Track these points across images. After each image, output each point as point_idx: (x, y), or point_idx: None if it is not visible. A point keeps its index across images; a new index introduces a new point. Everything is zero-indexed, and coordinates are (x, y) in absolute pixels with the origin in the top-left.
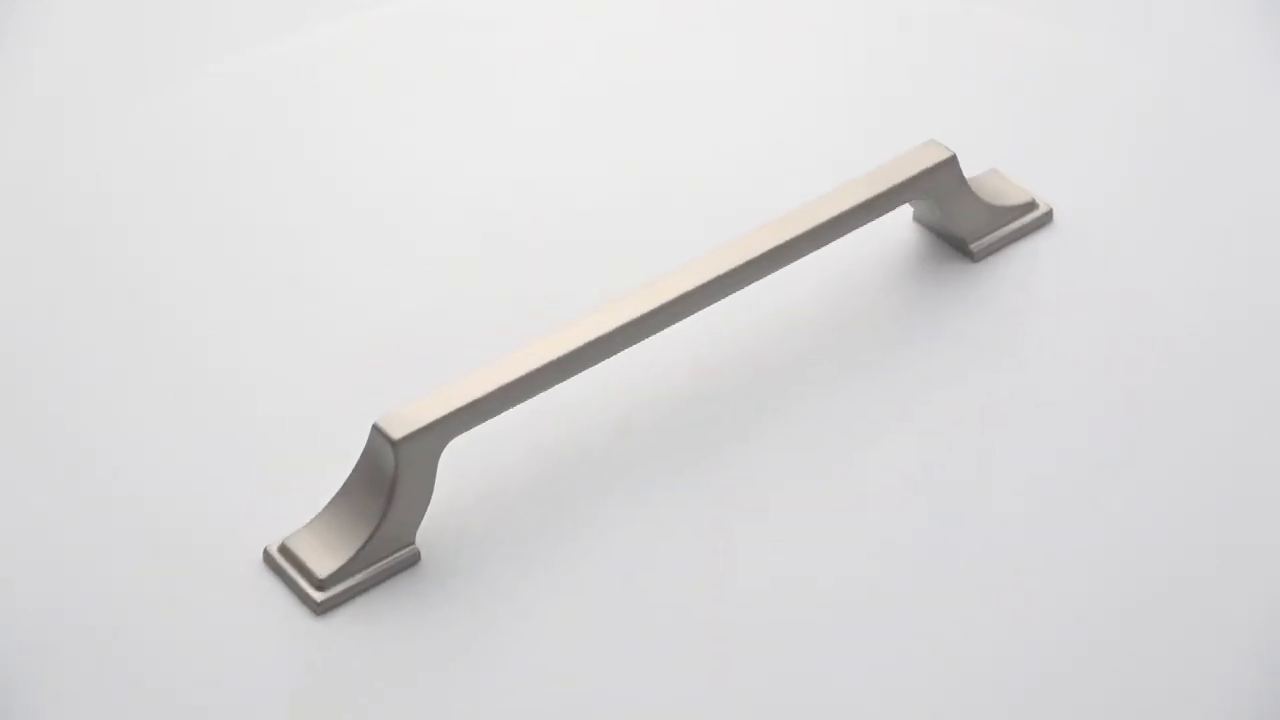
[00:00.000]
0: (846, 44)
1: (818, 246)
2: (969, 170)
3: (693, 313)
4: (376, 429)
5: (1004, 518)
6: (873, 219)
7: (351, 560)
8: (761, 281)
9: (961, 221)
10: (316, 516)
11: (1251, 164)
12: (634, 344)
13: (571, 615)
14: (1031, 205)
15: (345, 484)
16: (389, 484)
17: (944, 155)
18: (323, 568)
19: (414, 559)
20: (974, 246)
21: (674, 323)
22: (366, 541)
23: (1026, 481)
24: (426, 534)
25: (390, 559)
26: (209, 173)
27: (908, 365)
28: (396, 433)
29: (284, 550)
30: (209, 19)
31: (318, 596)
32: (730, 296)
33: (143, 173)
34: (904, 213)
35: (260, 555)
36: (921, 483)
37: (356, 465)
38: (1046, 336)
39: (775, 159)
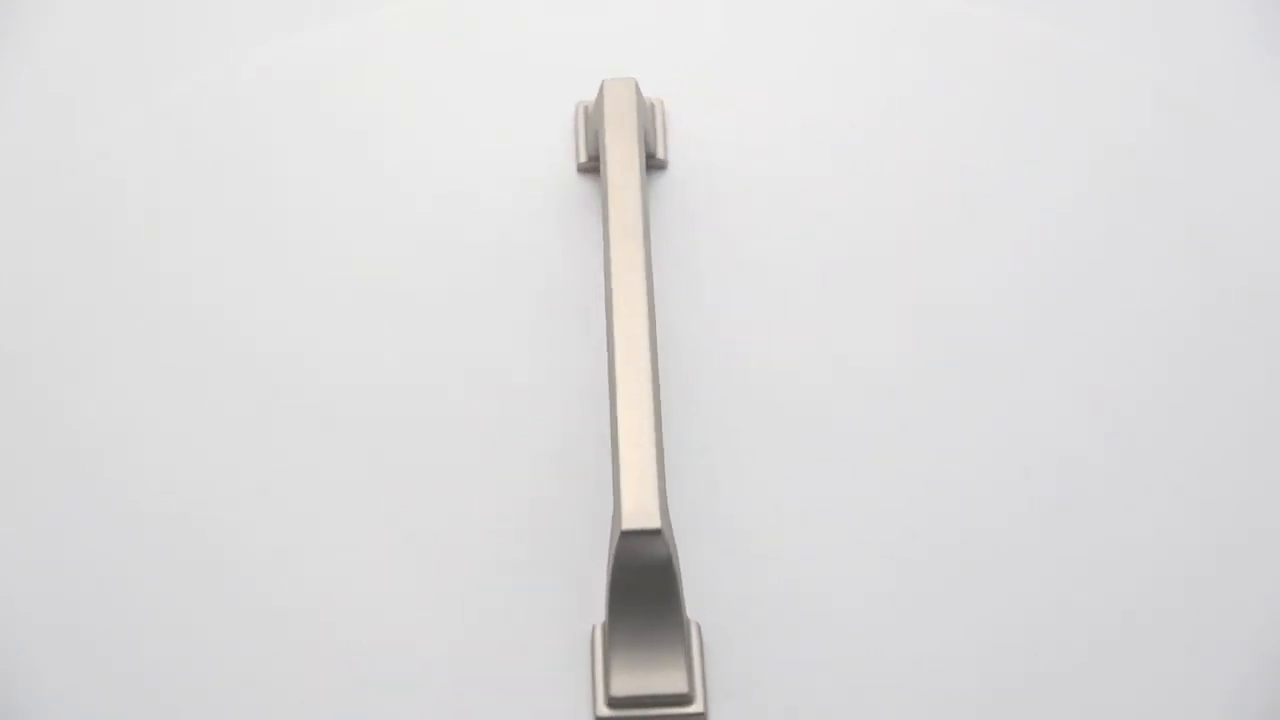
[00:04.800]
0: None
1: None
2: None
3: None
4: (630, 533)
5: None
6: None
7: (688, 662)
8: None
9: (650, 138)
10: (615, 652)
11: (1244, 161)
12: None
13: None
14: (653, 105)
15: (612, 604)
16: (671, 571)
17: (633, 83)
18: (675, 684)
19: (698, 628)
20: (660, 155)
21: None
22: (686, 637)
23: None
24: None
25: (695, 640)
26: (221, 172)
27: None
28: (654, 521)
29: (618, 701)
30: (210, 17)
31: (698, 706)
32: None
33: (148, 171)
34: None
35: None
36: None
37: (614, 579)
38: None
39: (768, 159)
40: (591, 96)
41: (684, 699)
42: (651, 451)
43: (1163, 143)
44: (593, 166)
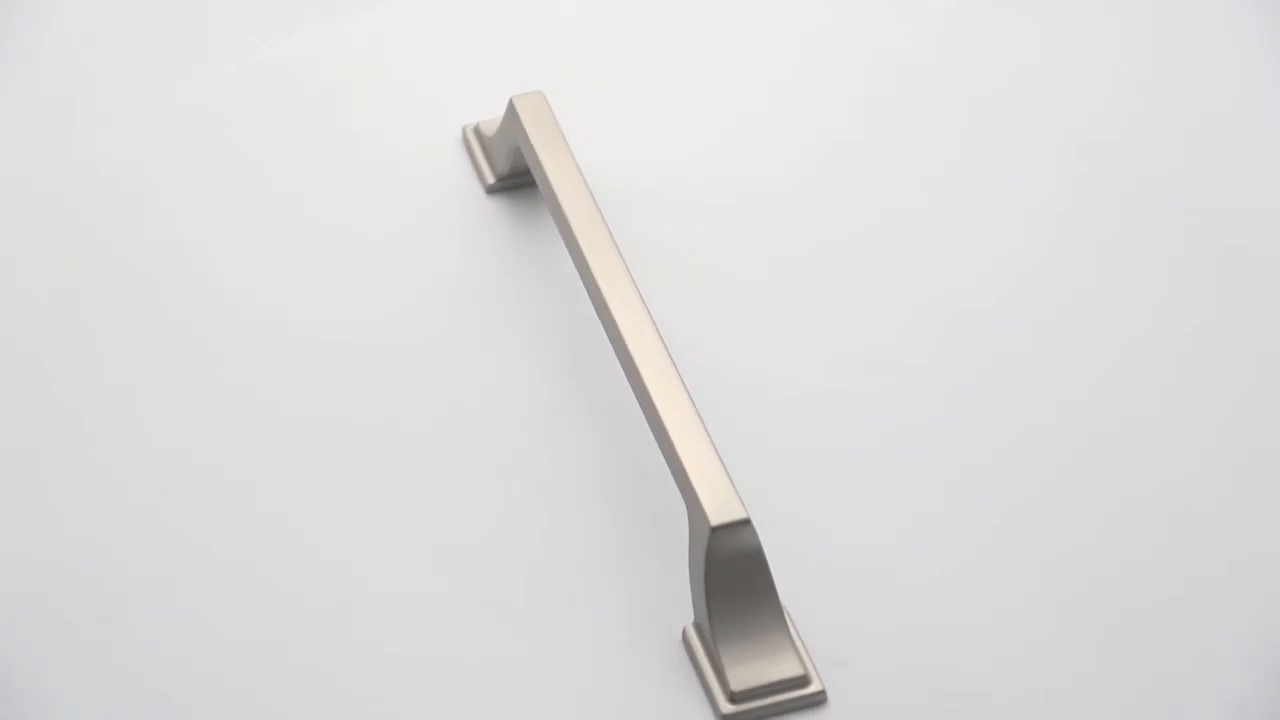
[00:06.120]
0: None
1: None
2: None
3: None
4: (720, 528)
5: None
6: None
7: (794, 645)
8: None
9: None
10: (723, 647)
11: (1241, 160)
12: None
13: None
14: None
15: (711, 601)
16: (763, 558)
17: (541, 94)
18: (790, 668)
19: (787, 611)
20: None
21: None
22: (784, 620)
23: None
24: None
25: (791, 620)
26: (231, 171)
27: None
28: (741, 512)
29: (739, 695)
30: (210, 17)
31: (817, 685)
32: None
33: (151, 171)
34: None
35: (712, 713)
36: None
37: (709, 576)
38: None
39: (771, 155)
40: (472, 119)
41: (802, 680)
42: (709, 447)
43: (1161, 143)
44: (505, 186)
